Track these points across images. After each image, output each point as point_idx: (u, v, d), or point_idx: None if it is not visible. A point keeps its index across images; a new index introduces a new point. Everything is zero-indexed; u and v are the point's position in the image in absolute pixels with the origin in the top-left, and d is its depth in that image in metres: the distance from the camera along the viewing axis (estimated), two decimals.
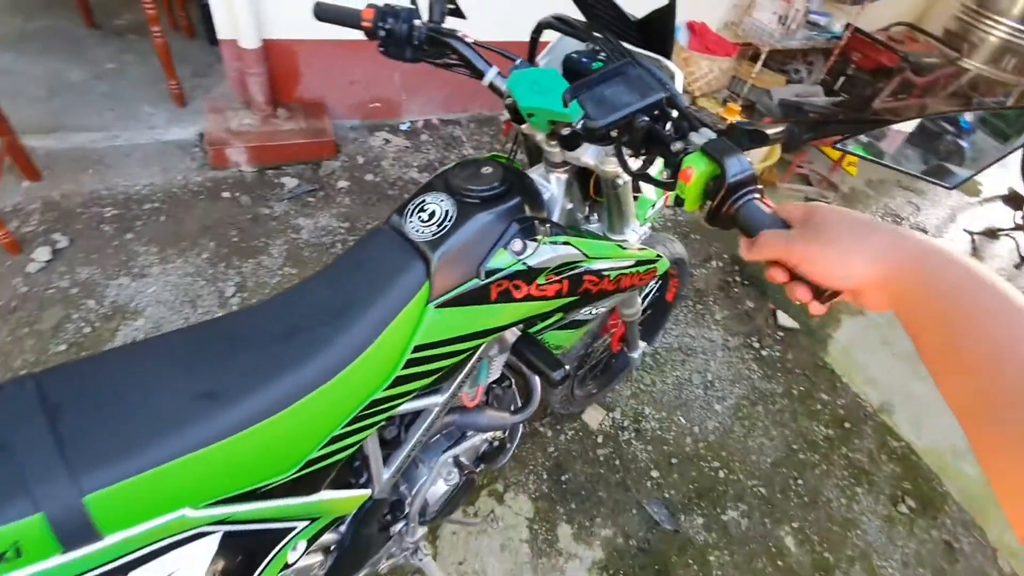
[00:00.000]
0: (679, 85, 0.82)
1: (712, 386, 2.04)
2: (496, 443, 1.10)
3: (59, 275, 1.83)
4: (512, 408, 1.09)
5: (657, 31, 0.88)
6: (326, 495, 0.78)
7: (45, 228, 1.96)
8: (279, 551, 0.75)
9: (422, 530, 1.05)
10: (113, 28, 3.00)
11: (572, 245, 0.86)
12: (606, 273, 0.92)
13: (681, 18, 3.10)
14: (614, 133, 0.70)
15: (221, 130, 2.32)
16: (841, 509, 1.76)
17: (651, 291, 1.73)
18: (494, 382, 1.09)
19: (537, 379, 1.10)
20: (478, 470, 1.11)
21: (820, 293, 0.51)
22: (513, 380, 1.15)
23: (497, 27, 1.11)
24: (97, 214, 2.05)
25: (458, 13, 0.94)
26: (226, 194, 2.25)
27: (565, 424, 1.80)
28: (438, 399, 0.90)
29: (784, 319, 2.34)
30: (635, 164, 0.73)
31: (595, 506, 1.62)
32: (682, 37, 3.16)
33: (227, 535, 0.66)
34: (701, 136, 0.62)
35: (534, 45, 0.96)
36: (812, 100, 3.20)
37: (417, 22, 0.89)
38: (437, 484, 1.02)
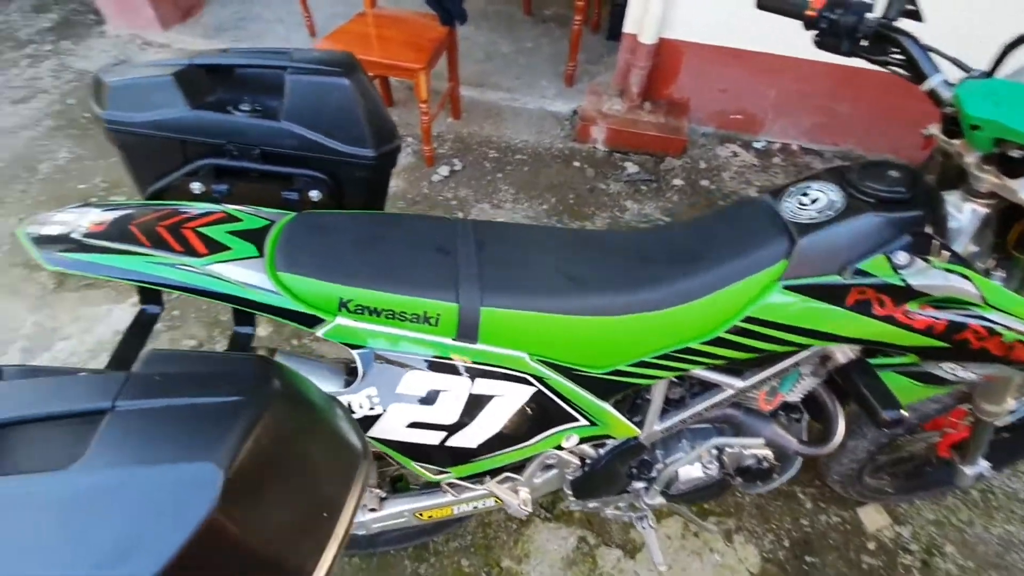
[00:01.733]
0: None
1: None
2: (764, 465, 1.02)
3: (448, 188, 2.38)
4: (800, 438, 0.98)
5: None
6: (610, 409, 0.85)
7: (451, 153, 2.57)
8: (560, 431, 0.85)
9: (659, 499, 1.05)
10: (541, 17, 3.66)
11: (971, 280, 0.72)
12: (1000, 330, 0.74)
13: None
14: None
15: (593, 110, 2.63)
16: None
17: (1021, 414, 1.32)
18: (790, 406, 1.00)
19: (841, 422, 0.97)
20: (735, 480, 1.05)
21: None
22: (807, 416, 1.04)
23: (954, 36, 0.97)
24: (484, 153, 2.59)
25: (915, 16, 0.85)
26: (576, 164, 2.56)
27: (831, 506, 1.54)
28: (736, 382, 0.88)
29: None
30: None
31: None
32: None
33: (538, 393, 0.79)
34: None
35: (1001, 59, 0.81)
36: None
37: (868, 16, 0.84)
38: (694, 466, 1.01)
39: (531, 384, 0.79)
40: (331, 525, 0.46)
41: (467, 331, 0.72)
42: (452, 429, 0.78)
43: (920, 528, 1.52)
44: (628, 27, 2.51)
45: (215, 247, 0.69)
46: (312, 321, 0.70)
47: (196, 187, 0.90)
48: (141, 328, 0.74)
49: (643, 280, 0.77)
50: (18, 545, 0.35)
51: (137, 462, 0.38)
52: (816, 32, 0.89)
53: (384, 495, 1.07)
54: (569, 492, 1.05)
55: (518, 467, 0.97)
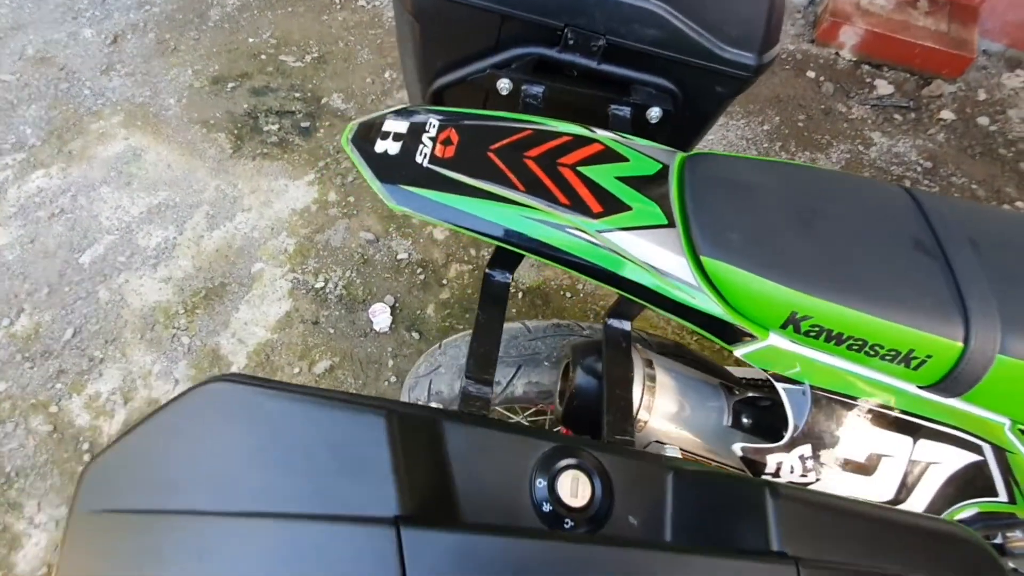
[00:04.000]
0: None
1: None
2: None
3: None
4: None
5: None
6: None
7: None
8: (970, 503, 0.61)
9: None
10: None
11: None
12: None
13: None
14: None
15: (849, 3, 2.04)
16: None
17: None
18: None
19: None
20: None
21: None
22: None
23: None
24: None
25: None
26: (811, 74, 2.04)
27: None
28: None
29: None
30: None
31: None
32: None
33: (981, 463, 0.54)
34: None
35: None
36: None
37: None
38: None
39: (979, 452, 0.54)
40: None
41: (959, 382, 0.47)
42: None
43: None
44: None
45: (611, 204, 0.46)
46: (736, 335, 0.47)
47: (504, 85, 0.65)
48: (495, 300, 0.54)
49: None
50: None
51: None
52: None
53: None
54: None
55: None
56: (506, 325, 0.80)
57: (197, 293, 1.59)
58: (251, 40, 2.17)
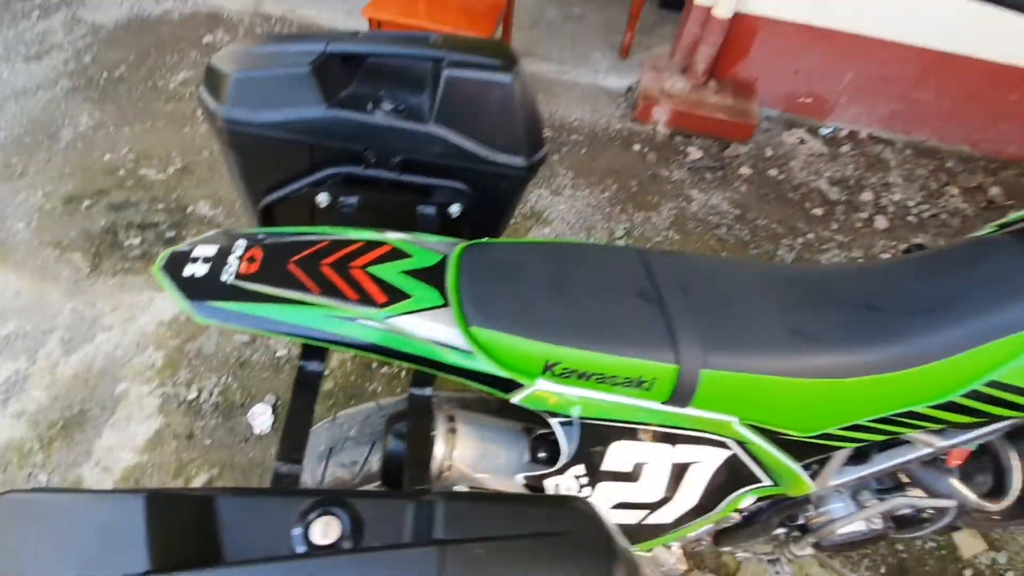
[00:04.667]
0: None
1: None
2: (924, 515, 0.93)
3: None
4: (980, 492, 0.89)
5: None
6: (799, 470, 0.75)
7: None
8: (742, 493, 0.76)
9: (809, 551, 0.97)
10: None
11: None
12: None
13: None
14: None
15: (655, 88, 2.46)
16: None
17: None
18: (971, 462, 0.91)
19: (1018, 476, 0.88)
20: (891, 532, 0.96)
21: None
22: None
23: None
24: None
25: None
26: (636, 147, 2.40)
27: None
28: (937, 441, 0.78)
29: None
30: None
31: None
32: None
33: (733, 456, 0.69)
34: None
35: None
36: None
37: None
38: (855, 522, 0.92)
39: (728, 448, 0.69)
40: None
41: (682, 395, 0.61)
42: (655, 506, 0.67)
43: (1015, 554, 1.46)
44: None
45: (394, 294, 0.57)
46: (509, 386, 0.59)
47: (323, 199, 0.76)
48: (307, 390, 0.62)
49: (878, 335, 0.66)
50: None
51: None
52: None
53: None
54: (708, 538, 0.96)
55: None
56: (360, 406, 0.87)
57: (54, 425, 1.49)
58: (108, 157, 2.15)
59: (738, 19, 2.30)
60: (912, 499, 0.87)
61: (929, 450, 0.79)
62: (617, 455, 0.63)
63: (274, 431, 1.52)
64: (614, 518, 0.67)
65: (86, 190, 2.04)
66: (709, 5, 2.29)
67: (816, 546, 0.98)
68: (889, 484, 0.94)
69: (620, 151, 2.38)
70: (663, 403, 0.62)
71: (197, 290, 0.53)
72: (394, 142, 0.75)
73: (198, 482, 1.42)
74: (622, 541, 0.38)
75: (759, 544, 1.01)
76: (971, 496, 0.88)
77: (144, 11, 2.85)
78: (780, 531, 0.97)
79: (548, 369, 0.58)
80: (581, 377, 0.59)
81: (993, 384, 0.66)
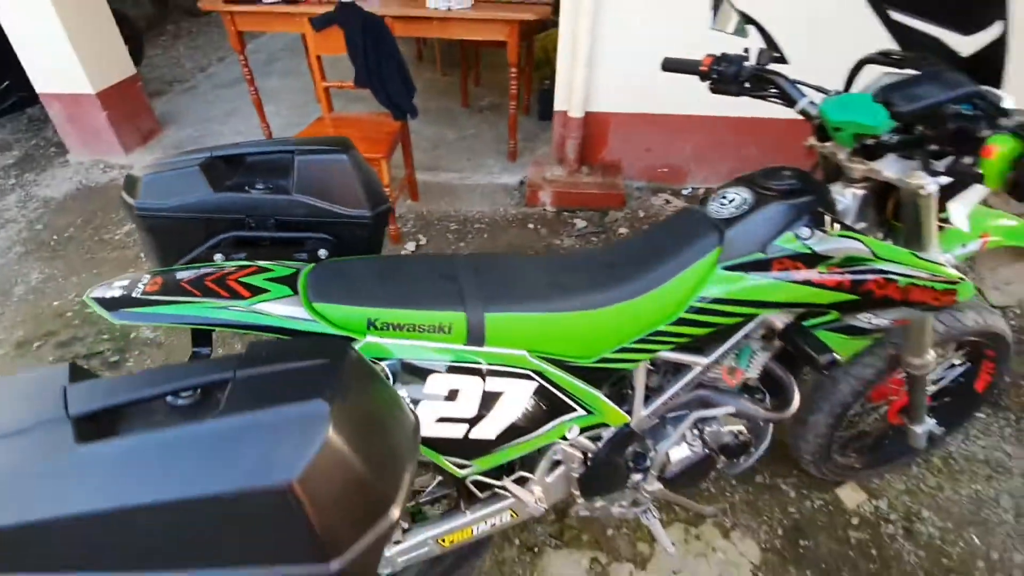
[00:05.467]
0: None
1: None
2: (741, 439, 1.16)
3: None
4: (765, 408, 1.14)
5: (989, 63, 0.92)
6: (602, 396, 0.99)
7: (414, 230, 2.77)
8: (563, 421, 0.98)
9: (656, 486, 1.16)
10: (477, 108, 4.08)
11: (861, 242, 0.93)
12: (894, 278, 0.95)
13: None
14: (920, 129, 0.79)
15: (538, 178, 2.93)
16: None
17: (955, 375, 1.53)
18: (751, 387, 1.17)
19: (796, 390, 1.14)
20: (719, 458, 1.18)
21: None
22: (768, 395, 1.20)
23: (814, 74, 1.24)
24: (446, 226, 2.81)
25: (781, 60, 1.13)
26: (531, 226, 2.81)
27: (813, 492, 1.67)
28: (701, 360, 1.04)
29: None
30: (930, 178, 0.81)
31: None
32: None
33: (540, 386, 0.92)
34: (1011, 120, 0.68)
35: (851, 79, 1.08)
36: None
37: (746, 64, 1.11)
38: (681, 446, 1.14)
39: (533, 379, 0.93)
40: (402, 469, 0.58)
41: (475, 335, 0.87)
42: (473, 422, 0.89)
43: (895, 499, 1.66)
44: (558, 106, 2.88)
45: (256, 291, 0.82)
46: (348, 341, 0.83)
47: (218, 258, 1.03)
48: None
49: (614, 279, 0.94)
50: (188, 471, 0.46)
51: (264, 406, 0.50)
52: (710, 82, 1.15)
53: (407, 526, 1.13)
54: (577, 493, 1.15)
55: (530, 467, 1.07)
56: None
57: None
58: (56, 303, 2.37)
59: (590, 117, 2.85)
60: (705, 411, 1.11)
61: (699, 368, 1.05)
62: (434, 383, 0.86)
63: None
64: (440, 431, 0.89)
65: (36, 334, 2.23)
66: (566, 109, 2.85)
67: (663, 481, 1.18)
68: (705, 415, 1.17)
69: (518, 230, 2.78)
70: (464, 344, 0.87)
71: (114, 304, 0.77)
72: (268, 211, 1.04)
73: None
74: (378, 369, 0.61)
75: (620, 496, 1.19)
76: (759, 409, 1.13)
77: (92, 180, 3.23)
78: (636, 477, 1.17)
79: (371, 325, 0.84)
80: (397, 328, 0.84)
81: (702, 300, 0.95)
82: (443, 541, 1.13)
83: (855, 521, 1.60)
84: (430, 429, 0.88)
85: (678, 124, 2.83)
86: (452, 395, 0.87)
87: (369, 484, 0.52)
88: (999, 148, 0.66)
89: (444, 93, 4.29)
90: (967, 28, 0.83)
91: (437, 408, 0.87)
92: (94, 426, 0.50)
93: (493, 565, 1.49)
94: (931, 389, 1.56)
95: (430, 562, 1.22)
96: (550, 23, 3.25)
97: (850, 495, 1.66)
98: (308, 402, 0.50)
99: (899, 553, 1.52)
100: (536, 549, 1.52)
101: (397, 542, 1.12)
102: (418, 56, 4.97)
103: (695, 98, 2.75)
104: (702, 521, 1.58)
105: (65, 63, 3.01)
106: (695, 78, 1.17)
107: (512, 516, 1.14)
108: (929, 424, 1.45)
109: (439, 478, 1.19)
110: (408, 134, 2.80)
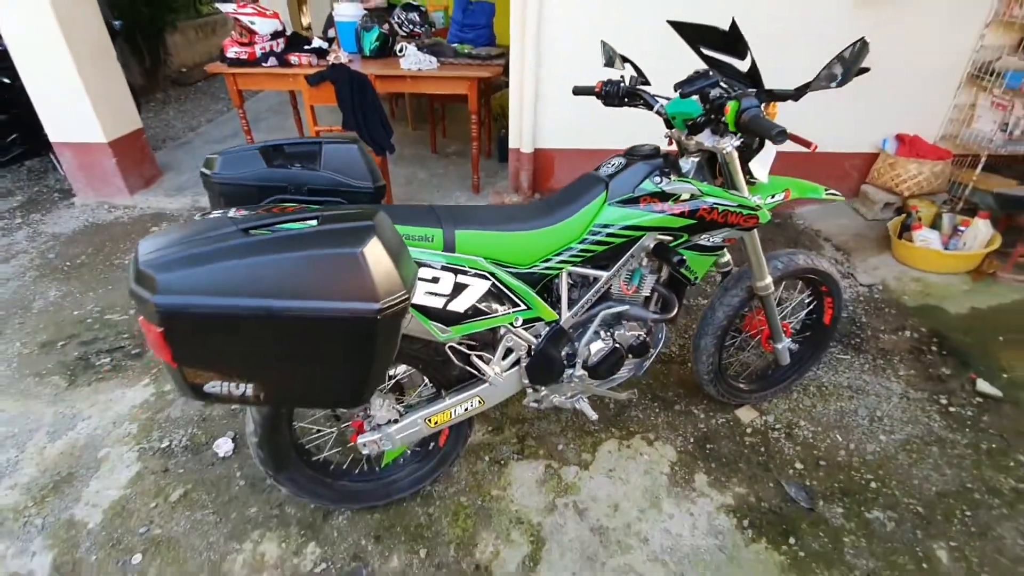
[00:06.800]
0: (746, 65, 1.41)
1: (880, 421, 2.10)
2: (641, 339, 1.63)
3: None
4: (653, 311, 1.63)
5: (755, 73, 1.49)
6: (536, 296, 1.46)
7: None
8: (511, 312, 1.44)
9: (585, 373, 1.61)
10: (445, 153, 4.68)
11: (693, 184, 1.46)
12: (715, 206, 1.47)
13: (890, 125, 3.44)
14: (707, 107, 1.35)
15: (498, 203, 3.47)
16: (1017, 548, 1.63)
17: (806, 313, 2.06)
18: (647, 300, 1.66)
19: (675, 300, 1.63)
20: (628, 356, 1.64)
21: None
22: (661, 308, 1.69)
23: (667, 88, 1.85)
24: None
25: (646, 82, 1.70)
26: None
27: (718, 413, 2.12)
28: (604, 274, 1.53)
29: (985, 386, 2.24)
30: (729, 141, 1.37)
31: (734, 472, 1.89)
32: (889, 146, 3.45)
33: (493, 286, 1.39)
34: (736, 93, 1.25)
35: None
36: None
37: (623, 84, 1.67)
38: (596, 341, 1.60)
39: (488, 279, 1.39)
40: (410, 280, 1.03)
41: (449, 245, 1.33)
42: (448, 299, 1.33)
43: (780, 415, 2.13)
44: (512, 144, 3.48)
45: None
46: None
47: None
48: None
49: (541, 213, 1.44)
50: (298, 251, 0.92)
51: (348, 221, 0.95)
52: (602, 99, 1.71)
53: (402, 411, 1.54)
54: (527, 381, 1.58)
55: (490, 347, 1.51)
56: None
57: (45, 487, 1.83)
58: (76, 312, 2.70)
59: (538, 152, 3.46)
60: (608, 307, 1.58)
61: (604, 278, 1.53)
62: (424, 272, 1.31)
63: (236, 453, 1.96)
64: (427, 301, 1.33)
65: (59, 336, 2.54)
66: (518, 147, 3.44)
67: (587, 370, 1.63)
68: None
69: None
70: (442, 251, 1.34)
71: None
72: (303, 181, 1.51)
73: (174, 496, 1.80)
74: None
75: (560, 386, 1.63)
76: (649, 313, 1.62)
77: (98, 218, 3.61)
78: (570, 370, 1.61)
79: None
80: (406, 238, 1.30)
81: (597, 226, 1.45)
82: (430, 422, 1.54)
83: (749, 431, 2.06)
84: (421, 299, 1.32)
85: (607, 156, 3.45)
86: (435, 280, 1.32)
87: (396, 270, 0.97)
88: (730, 106, 1.22)
89: (416, 143, 4.90)
90: (743, 56, 1.42)
91: (425, 287, 1.32)
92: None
93: (469, 475, 1.87)
94: (796, 326, 2.09)
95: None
96: (503, 83, 3.93)
97: (746, 413, 2.12)
98: (365, 222, 0.96)
99: (781, 449, 1.98)
100: (502, 462, 1.91)
101: (395, 421, 1.52)
102: (391, 114, 5.63)
103: (622, 135, 3.39)
104: (631, 436, 2.01)
105: (82, 116, 3.46)
106: (622, 120, 1.75)
107: (480, 403, 1.56)
108: (786, 342, 1.96)
109: (427, 380, 1.61)
110: (387, 169, 3.32)
